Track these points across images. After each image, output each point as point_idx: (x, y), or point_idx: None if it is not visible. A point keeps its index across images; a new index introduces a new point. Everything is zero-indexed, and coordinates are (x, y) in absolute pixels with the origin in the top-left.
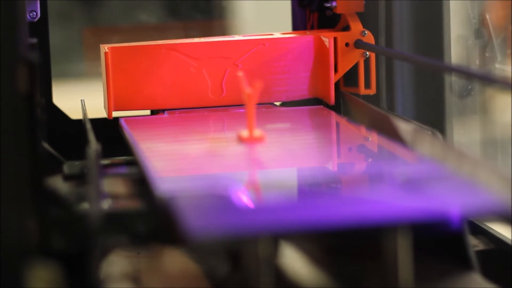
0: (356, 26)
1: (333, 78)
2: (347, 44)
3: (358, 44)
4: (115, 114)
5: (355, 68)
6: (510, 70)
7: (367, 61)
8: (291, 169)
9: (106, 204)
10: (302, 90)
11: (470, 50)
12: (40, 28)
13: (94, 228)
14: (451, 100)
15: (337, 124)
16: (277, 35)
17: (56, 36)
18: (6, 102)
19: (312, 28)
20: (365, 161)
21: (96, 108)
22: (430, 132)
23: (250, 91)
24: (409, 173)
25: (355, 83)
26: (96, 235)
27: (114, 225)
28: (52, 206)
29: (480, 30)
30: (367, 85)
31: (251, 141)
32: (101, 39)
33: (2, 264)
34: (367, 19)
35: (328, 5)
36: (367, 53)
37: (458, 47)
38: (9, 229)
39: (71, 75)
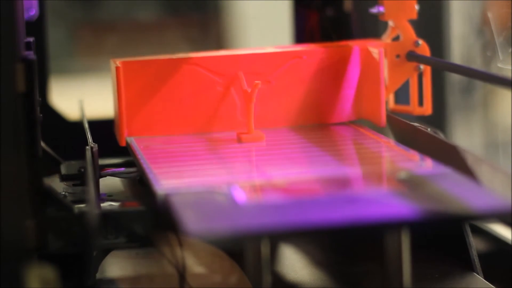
0: (408, 35)
1: (384, 96)
2: (398, 56)
3: (411, 56)
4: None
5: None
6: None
7: (420, 76)
8: (291, 168)
9: (104, 205)
10: (346, 111)
11: (471, 49)
12: (38, 27)
13: (92, 228)
14: (452, 98)
15: (342, 126)
16: (316, 46)
17: (52, 34)
18: (4, 101)
19: (311, 28)
20: (366, 160)
21: (95, 107)
22: (430, 130)
23: (249, 90)
24: (410, 173)
25: (405, 100)
26: (94, 235)
27: (112, 225)
28: (50, 207)
29: (481, 29)
30: (421, 103)
31: (250, 141)
32: (99, 37)
33: (0, 265)
34: (367, 19)
35: (375, 11)
36: (421, 66)
37: (459, 46)
38: (7, 229)
39: (67, 71)
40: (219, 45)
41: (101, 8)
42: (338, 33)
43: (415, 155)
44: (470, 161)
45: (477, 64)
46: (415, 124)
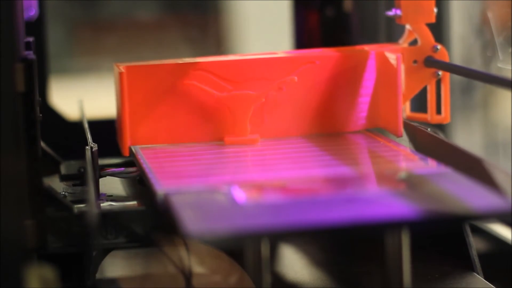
0: (427, 40)
1: (401, 104)
2: (415, 62)
3: (429, 61)
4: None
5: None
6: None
7: (438, 82)
8: (291, 169)
9: (104, 205)
10: (360, 119)
11: (471, 49)
12: (38, 27)
13: (92, 228)
14: (452, 98)
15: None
16: (329, 50)
17: (52, 34)
18: (4, 101)
19: (311, 28)
20: (366, 160)
21: (95, 107)
22: (430, 130)
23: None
24: (410, 173)
25: (422, 108)
26: (94, 235)
27: (112, 225)
28: (50, 207)
29: (481, 29)
30: (439, 110)
31: (249, 142)
32: (99, 37)
33: (0, 265)
34: (367, 19)
35: (391, 14)
36: (440, 72)
37: (459, 46)
38: (7, 229)
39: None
40: (219, 45)
41: (101, 8)
42: (338, 34)
43: (432, 162)
44: (470, 161)
45: (477, 64)
46: (415, 124)
